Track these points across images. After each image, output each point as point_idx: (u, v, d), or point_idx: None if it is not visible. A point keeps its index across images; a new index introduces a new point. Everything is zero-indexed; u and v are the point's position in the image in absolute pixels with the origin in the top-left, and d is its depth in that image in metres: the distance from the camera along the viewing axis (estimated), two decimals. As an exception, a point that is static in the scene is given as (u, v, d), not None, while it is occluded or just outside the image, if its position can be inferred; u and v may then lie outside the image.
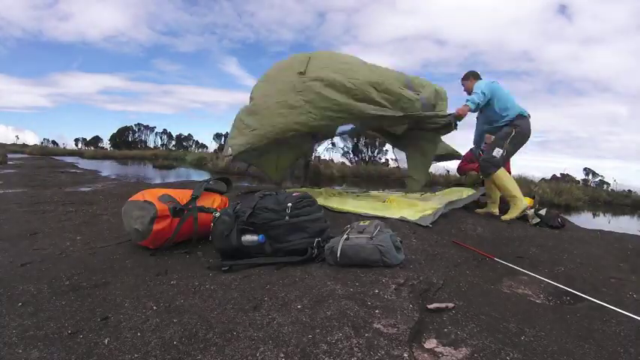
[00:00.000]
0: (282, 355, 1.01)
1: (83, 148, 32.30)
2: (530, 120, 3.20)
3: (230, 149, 2.91)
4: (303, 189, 3.66)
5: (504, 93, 3.20)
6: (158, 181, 8.12)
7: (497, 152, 3.07)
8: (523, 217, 3.21)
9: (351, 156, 16.23)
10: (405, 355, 1.03)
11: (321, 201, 2.91)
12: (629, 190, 9.92)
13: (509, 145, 3.08)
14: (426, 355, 1.07)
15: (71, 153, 22.26)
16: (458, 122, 3.17)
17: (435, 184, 7.48)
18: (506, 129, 3.12)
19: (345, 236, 1.68)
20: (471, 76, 3.44)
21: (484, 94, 3.07)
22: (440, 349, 1.11)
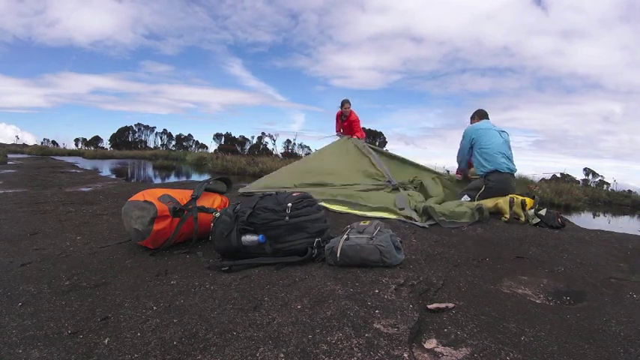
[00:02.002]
0: (282, 355, 1.01)
1: (83, 148, 32.31)
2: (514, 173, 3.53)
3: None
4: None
5: (489, 141, 3.52)
6: (158, 181, 8.12)
7: (465, 198, 3.42)
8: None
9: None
10: (405, 355, 1.03)
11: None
12: (629, 190, 9.94)
13: (478, 197, 3.39)
14: (426, 355, 1.07)
15: (71, 153, 22.25)
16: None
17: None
18: (479, 182, 3.49)
19: (345, 236, 1.68)
20: (476, 116, 3.82)
21: (461, 152, 3.75)
22: (440, 349, 1.11)
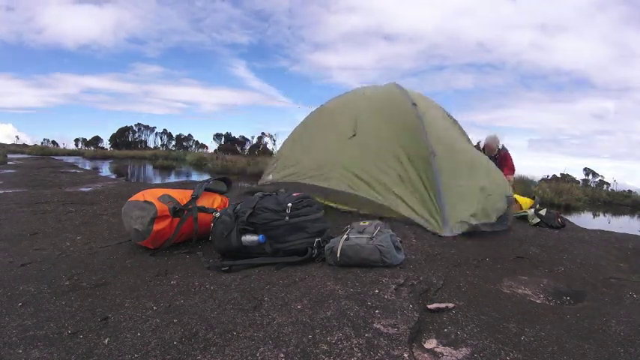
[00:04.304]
0: (282, 355, 1.01)
1: (83, 148, 32.34)
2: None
3: None
4: None
5: None
6: (158, 181, 8.12)
7: None
8: (523, 217, 3.21)
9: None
10: (405, 355, 1.03)
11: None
12: (629, 190, 9.94)
13: None
14: (426, 355, 1.07)
15: (71, 153, 22.23)
16: None
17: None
18: None
19: (345, 236, 1.68)
20: None
21: None
22: (440, 349, 1.11)
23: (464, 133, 3.57)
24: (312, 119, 3.78)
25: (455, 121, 3.56)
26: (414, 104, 2.95)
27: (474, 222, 2.41)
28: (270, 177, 3.53)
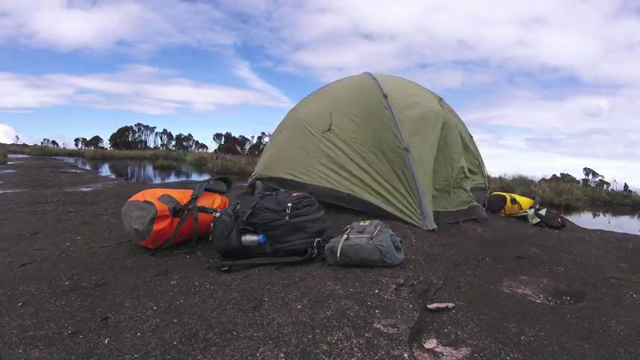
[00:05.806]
0: (282, 355, 1.01)
1: (83, 148, 32.35)
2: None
3: None
4: None
5: None
6: (158, 181, 8.12)
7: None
8: (523, 217, 3.21)
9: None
10: (405, 355, 1.03)
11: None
12: (629, 190, 9.95)
13: None
14: (426, 355, 1.07)
15: (71, 153, 22.18)
16: None
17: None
18: None
19: (345, 236, 1.68)
20: None
21: None
22: (440, 349, 1.11)
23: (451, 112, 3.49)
24: (291, 115, 3.83)
25: (440, 98, 3.46)
26: (385, 96, 2.91)
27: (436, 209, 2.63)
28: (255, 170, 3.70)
